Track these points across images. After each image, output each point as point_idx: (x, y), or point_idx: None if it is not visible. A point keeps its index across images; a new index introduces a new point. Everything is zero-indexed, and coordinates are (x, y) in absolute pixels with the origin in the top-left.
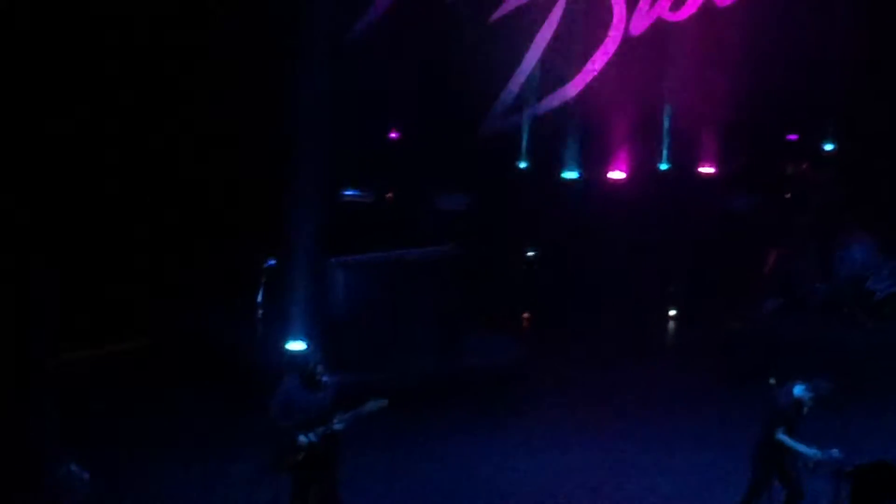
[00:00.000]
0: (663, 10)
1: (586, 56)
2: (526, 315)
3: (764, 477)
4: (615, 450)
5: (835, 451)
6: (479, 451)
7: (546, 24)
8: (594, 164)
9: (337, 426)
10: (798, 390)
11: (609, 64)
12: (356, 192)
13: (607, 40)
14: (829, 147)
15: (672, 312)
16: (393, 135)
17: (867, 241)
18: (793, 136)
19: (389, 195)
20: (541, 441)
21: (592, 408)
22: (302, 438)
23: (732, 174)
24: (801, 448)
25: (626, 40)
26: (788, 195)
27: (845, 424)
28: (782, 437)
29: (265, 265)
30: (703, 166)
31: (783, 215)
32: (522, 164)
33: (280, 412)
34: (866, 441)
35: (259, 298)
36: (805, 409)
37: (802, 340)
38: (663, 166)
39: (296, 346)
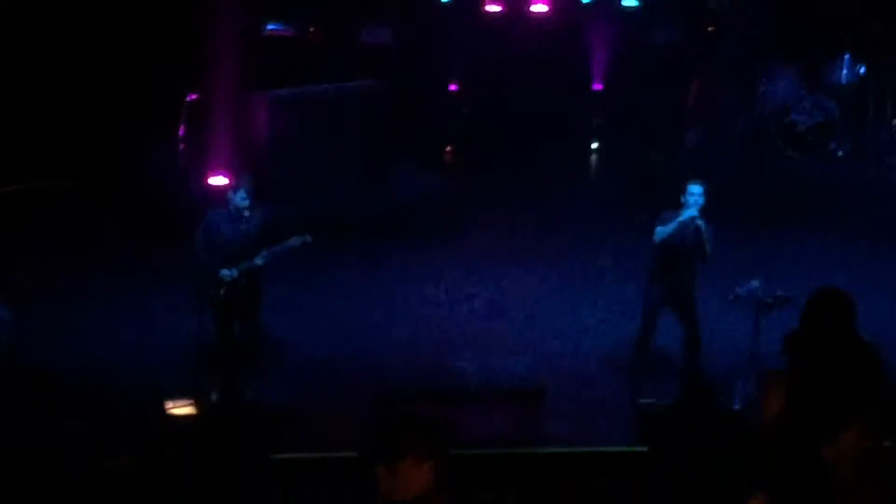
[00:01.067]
0: None
1: None
2: (450, 149)
3: (654, 305)
4: (540, 278)
5: (754, 283)
6: (404, 282)
7: None
8: None
9: (258, 261)
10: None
11: None
12: (279, 26)
13: None
14: None
15: (595, 146)
16: None
17: (790, 74)
18: None
19: (312, 29)
20: (467, 271)
21: (518, 240)
22: (224, 273)
23: (655, 6)
24: None
25: None
26: (711, 28)
27: (765, 256)
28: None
29: (186, 99)
30: None
31: (706, 48)
32: None
33: (203, 246)
34: (786, 272)
35: (181, 133)
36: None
37: (725, 172)
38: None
39: (218, 180)
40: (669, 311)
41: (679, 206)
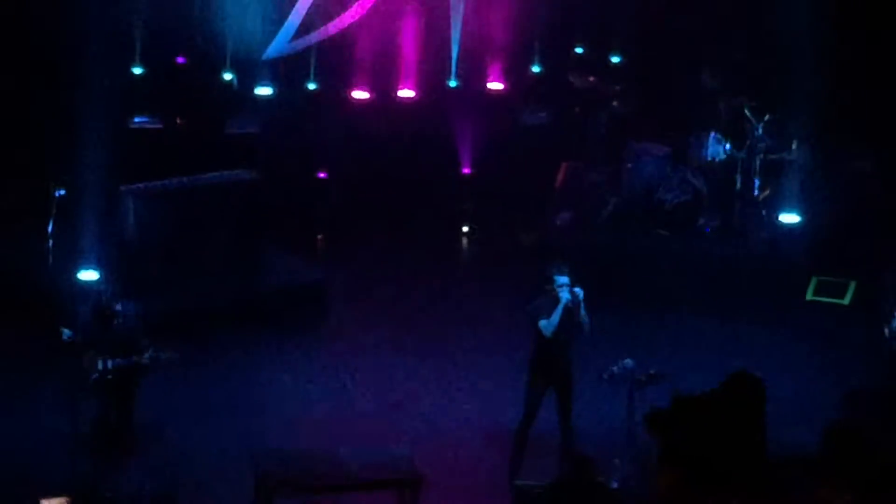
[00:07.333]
0: None
1: None
2: (321, 236)
3: (540, 393)
4: (415, 367)
5: (628, 361)
6: (279, 371)
7: None
8: (384, 83)
9: (140, 359)
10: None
11: None
12: (146, 119)
13: None
14: (616, 59)
15: (467, 229)
16: (181, 59)
17: (656, 152)
18: (577, 50)
19: (180, 120)
20: (342, 359)
21: (392, 326)
22: (100, 365)
23: (522, 89)
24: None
25: None
26: (578, 109)
27: (637, 334)
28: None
29: (55, 194)
30: (491, 82)
31: (573, 129)
32: (312, 86)
33: (79, 340)
34: (658, 350)
35: (50, 228)
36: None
37: (595, 252)
38: (452, 83)
39: (88, 275)
40: (550, 393)
41: (546, 290)
